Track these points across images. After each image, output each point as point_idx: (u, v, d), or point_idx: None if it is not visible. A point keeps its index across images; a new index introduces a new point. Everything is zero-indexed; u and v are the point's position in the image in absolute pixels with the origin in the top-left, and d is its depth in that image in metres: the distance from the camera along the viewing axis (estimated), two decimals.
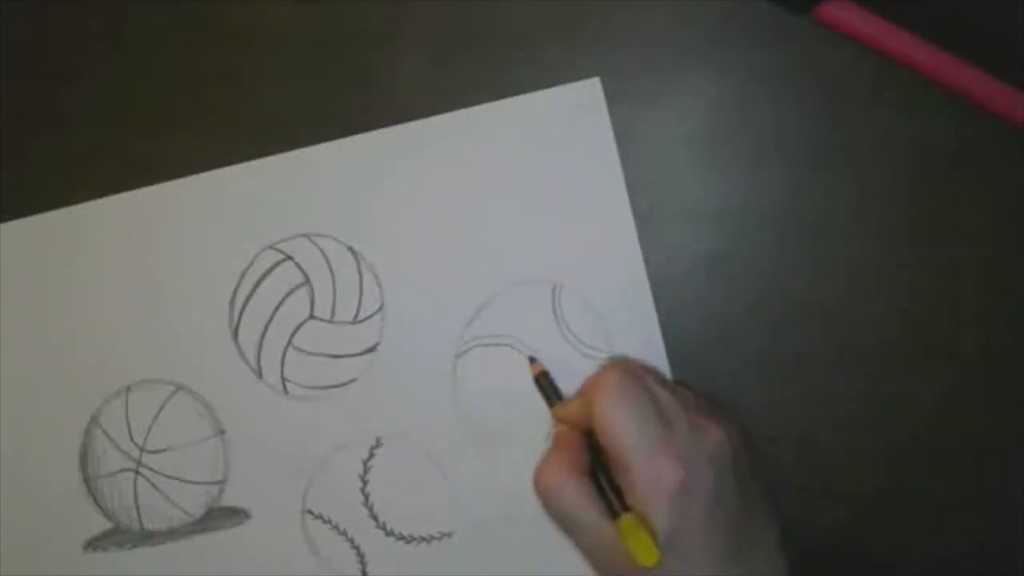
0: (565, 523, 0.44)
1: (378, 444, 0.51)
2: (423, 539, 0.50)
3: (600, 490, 0.44)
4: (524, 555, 0.49)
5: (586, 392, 0.46)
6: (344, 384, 0.51)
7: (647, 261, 0.50)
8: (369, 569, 0.51)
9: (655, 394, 0.43)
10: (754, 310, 0.50)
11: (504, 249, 0.50)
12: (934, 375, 0.49)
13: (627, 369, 0.44)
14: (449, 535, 0.50)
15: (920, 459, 0.49)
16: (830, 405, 0.49)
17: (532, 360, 0.49)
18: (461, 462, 0.50)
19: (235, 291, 0.51)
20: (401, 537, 0.51)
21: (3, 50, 0.53)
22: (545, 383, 0.49)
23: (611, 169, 0.50)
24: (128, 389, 0.51)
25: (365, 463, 0.51)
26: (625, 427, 0.42)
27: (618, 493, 0.43)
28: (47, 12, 0.53)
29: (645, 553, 0.41)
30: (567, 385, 0.49)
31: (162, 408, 0.51)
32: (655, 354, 0.49)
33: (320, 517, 0.51)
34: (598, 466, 0.45)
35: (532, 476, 0.45)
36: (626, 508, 0.42)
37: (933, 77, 0.47)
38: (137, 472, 0.51)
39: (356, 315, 0.51)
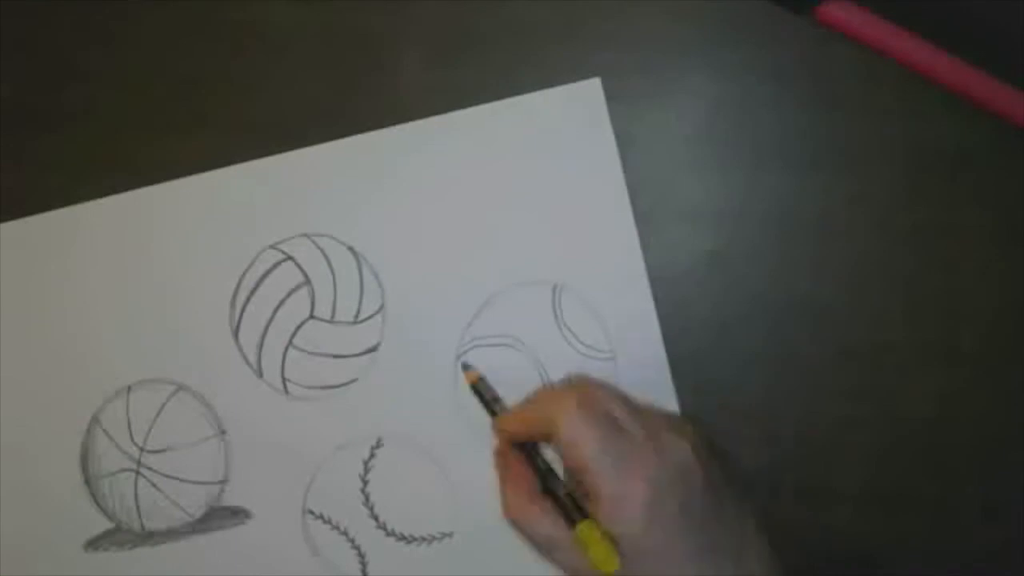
0: (543, 548, 0.45)
1: (379, 444, 0.51)
2: (423, 539, 0.50)
3: (557, 504, 0.45)
4: (524, 555, 0.49)
5: (540, 408, 0.46)
6: (345, 384, 0.51)
7: (647, 261, 0.50)
8: (369, 569, 0.51)
9: (614, 416, 0.44)
10: (754, 310, 0.50)
11: (504, 249, 0.50)
12: (934, 375, 0.49)
13: (585, 393, 0.45)
14: (449, 535, 0.50)
15: (920, 459, 0.49)
16: (830, 405, 0.49)
17: (466, 367, 0.49)
18: (461, 462, 0.50)
19: (235, 291, 0.51)
20: (401, 537, 0.51)
21: (3, 50, 0.53)
22: (484, 389, 0.48)
23: (611, 169, 0.50)
24: (129, 389, 0.51)
25: (366, 463, 0.51)
26: (589, 450, 0.43)
27: (574, 502, 0.44)
28: (47, 11, 0.53)
29: (604, 560, 0.42)
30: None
31: (163, 408, 0.51)
32: (655, 354, 0.49)
33: (320, 517, 0.51)
34: (546, 482, 0.45)
35: (501, 512, 0.46)
36: (584, 515, 0.43)
37: (933, 77, 0.47)
38: (137, 472, 0.51)
39: (357, 315, 0.51)
